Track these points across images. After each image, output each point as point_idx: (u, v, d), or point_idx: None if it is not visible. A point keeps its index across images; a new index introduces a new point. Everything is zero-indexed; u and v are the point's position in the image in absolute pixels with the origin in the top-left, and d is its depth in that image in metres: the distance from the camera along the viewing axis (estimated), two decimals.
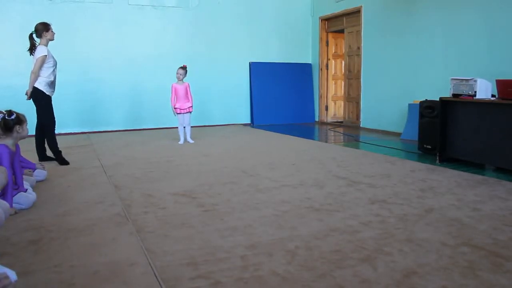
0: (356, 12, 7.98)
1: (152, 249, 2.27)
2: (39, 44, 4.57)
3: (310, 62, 9.39)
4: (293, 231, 2.52)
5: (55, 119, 4.76)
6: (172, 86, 6.18)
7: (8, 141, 3.09)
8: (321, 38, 9.09)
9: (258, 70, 8.87)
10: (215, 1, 8.47)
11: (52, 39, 4.67)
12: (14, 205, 2.91)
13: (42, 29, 4.57)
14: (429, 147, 5.12)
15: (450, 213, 2.84)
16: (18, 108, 3.32)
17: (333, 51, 9.21)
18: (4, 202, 2.21)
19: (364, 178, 3.89)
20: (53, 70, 4.63)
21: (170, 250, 2.26)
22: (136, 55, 7.95)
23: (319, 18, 9.02)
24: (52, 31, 4.64)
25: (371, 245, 2.30)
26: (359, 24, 7.86)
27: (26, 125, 3.24)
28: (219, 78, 8.61)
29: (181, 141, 6.26)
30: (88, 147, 6.01)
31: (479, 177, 3.91)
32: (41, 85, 4.54)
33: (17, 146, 3.25)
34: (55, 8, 7.29)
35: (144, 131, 7.90)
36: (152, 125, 8.18)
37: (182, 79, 6.21)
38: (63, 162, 4.70)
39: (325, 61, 9.19)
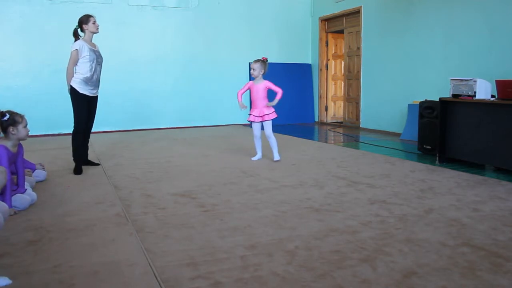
0: (356, 13, 7.99)
1: (152, 249, 2.27)
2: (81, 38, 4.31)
3: (310, 62, 9.39)
4: (292, 232, 2.52)
5: (82, 126, 4.31)
6: (247, 84, 4.85)
7: (7, 142, 3.07)
8: (320, 39, 9.09)
9: None
10: (215, 1, 8.48)
11: (95, 31, 4.36)
12: None
13: (82, 22, 4.33)
14: (429, 147, 5.12)
15: (450, 214, 2.84)
16: (17, 109, 3.29)
17: (333, 52, 9.22)
18: (3, 204, 2.20)
19: (363, 178, 3.89)
20: (91, 65, 4.25)
21: (170, 250, 2.26)
22: (135, 55, 7.95)
23: (319, 18, 9.03)
24: (93, 23, 4.33)
25: (371, 245, 2.30)
26: (359, 25, 7.86)
27: (24, 127, 3.14)
28: (219, 78, 8.61)
29: (256, 157, 4.91)
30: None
31: (479, 177, 3.91)
32: (74, 82, 4.23)
33: (20, 147, 3.23)
34: (54, 8, 7.30)
35: (144, 131, 7.90)
36: (152, 125, 8.18)
37: (259, 76, 4.73)
38: (76, 170, 4.29)
39: (325, 61, 9.19)
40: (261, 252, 2.22)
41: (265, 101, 4.69)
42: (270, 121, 4.71)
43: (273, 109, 4.74)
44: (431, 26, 6.28)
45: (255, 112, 4.71)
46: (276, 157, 4.75)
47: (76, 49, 4.20)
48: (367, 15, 7.63)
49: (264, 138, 4.81)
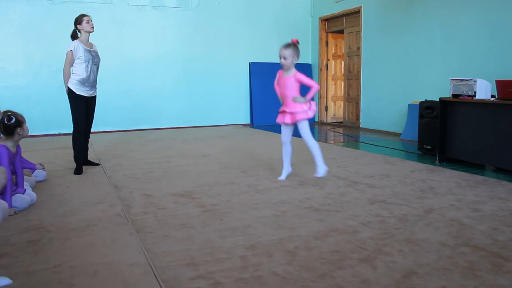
0: (356, 13, 7.99)
1: (152, 249, 2.27)
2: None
3: (310, 62, 9.38)
4: (292, 232, 2.52)
5: (80, 126, 4.27)
6: (278, 72, 3.77)
7: (9, 143, 3.10)
8: (320, 39, 9.09)
9: (257, 70, 8.86)
10: (215, 1, 8.48)
11: (90, 31, 4.30)
12: None
13: (76, 22, 4.29)
14: (429, 147, 5.12)
15: (449, 214, 2.84)
16: (17, 109, 3.31)
17: (333, 52, 9.21)
18: (4, 202, 2.21)
19: (363, 178, 3.89)
20: (87, 65, 4.21)
21: (170, 250, 2.26)
22: (135, 55, 7.94)
23: (319, 18, 9.02)
24: (87, 22, 4.27)
25: (371, 245, 2.30)
26: (359, 25, 7.86)
27: (26, 124, 3.22)
28: (219, 78, 8.61)
29: (283, 175, 3.89)
30: None
31: (479, 177, 3.91)
32: (71, 83, 4.22)
33: (18, 147, 3.25)
34: (54, 8, 7.29)
35: (144, 131, 7.90)
36: (152, 125, 8.18)
37: (287, 68, 3.62)
38: (76, 170, 4.26)
39: (325, 61, 9.19)
40: (261, 252, 2.22)
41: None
42: (306, 121, 3.63)
43: (308, 105, 3.61)
44: (431, 26, 6.28)
45: (283, 110, 3.69)
46: (320, 171, 3.54)
47: (71, 50, 4.19)
48: (367, 15, 7.63)
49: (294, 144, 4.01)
